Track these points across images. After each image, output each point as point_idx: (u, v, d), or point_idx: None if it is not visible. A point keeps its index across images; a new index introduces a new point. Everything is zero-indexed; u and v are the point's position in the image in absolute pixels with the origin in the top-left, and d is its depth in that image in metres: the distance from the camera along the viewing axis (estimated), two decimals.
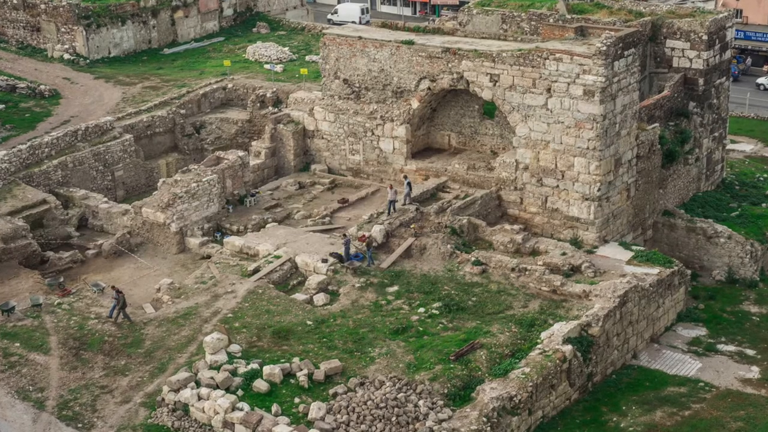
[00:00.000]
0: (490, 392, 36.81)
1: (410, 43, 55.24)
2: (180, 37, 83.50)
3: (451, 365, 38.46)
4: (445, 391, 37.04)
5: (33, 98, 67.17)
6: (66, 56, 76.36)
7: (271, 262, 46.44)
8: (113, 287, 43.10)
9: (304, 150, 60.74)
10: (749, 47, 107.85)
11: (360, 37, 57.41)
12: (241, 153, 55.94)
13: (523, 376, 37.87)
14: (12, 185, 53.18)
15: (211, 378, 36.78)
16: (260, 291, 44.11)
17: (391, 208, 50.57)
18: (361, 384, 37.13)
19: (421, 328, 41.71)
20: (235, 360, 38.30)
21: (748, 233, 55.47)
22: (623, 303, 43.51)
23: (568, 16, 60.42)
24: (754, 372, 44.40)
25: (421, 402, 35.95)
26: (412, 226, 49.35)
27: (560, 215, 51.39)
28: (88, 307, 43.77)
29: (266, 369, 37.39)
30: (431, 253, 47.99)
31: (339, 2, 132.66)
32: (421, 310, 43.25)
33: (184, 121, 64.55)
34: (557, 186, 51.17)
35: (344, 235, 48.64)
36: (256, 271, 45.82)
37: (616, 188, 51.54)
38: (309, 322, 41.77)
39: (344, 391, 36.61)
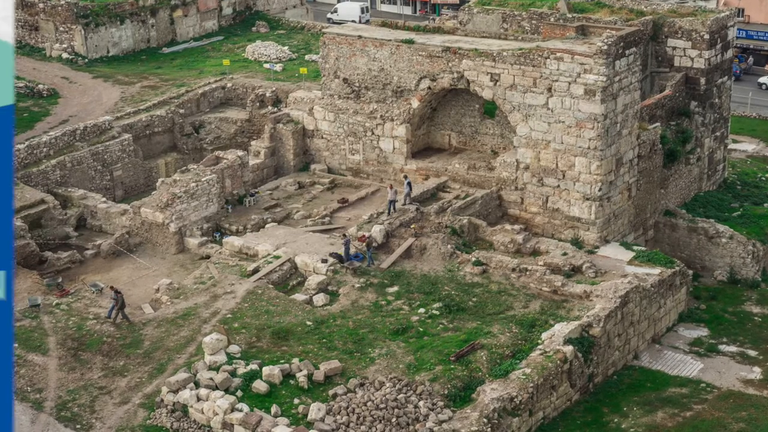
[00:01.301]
0: (490, 393, 36.62)
1: (410, 42, 55.02)
2: (179, 36, 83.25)
3: (452, 366, 38.25)
4: (446, 391, 36.84)
5: (31, 98, 66.89)
6: (64, 55, 76.11)
7: (271, 262, 46.24)
8: (112, 287, 42.90)
9: (303, 150, 60.50)
10: (751, 46, 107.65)
11: (360, 36, 57.18)
12: (240, 153, 55.69)
13: (524, 377, 37.69)
14: None
15: (211, 379, 36.59)
16: (259, 291, 43.89)
17: (391, 208, 50.34)
18: (361, 385, 36.94)
19: (421, 329, 41.49)
20: (234, 361, 38.11)
21: (750, 233, 55.27)
22: (624, 303, 43.33)
23: (569, 15, 60.26)
24: (756, 373, 44.21)
25: (421, 403, 35.76)
26: (412, 226, 49.12)
27: (561, 215, 51.19)
28: (87, 307, 43.55)
29: (265, 370, 37.20)
30: (431, 253, 47.76)
31: (339, 1, 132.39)
32: (422, 310, 43.04)
33: (183, 121, 64.32)
34: (558, 186, 50.97)
35: (344, 235, 48.41)
36: (255, 271, 45.61)
37: (618, 188, 51.34)
38: (309, 323, 41.56)
39: (344, 392, 36.42)
